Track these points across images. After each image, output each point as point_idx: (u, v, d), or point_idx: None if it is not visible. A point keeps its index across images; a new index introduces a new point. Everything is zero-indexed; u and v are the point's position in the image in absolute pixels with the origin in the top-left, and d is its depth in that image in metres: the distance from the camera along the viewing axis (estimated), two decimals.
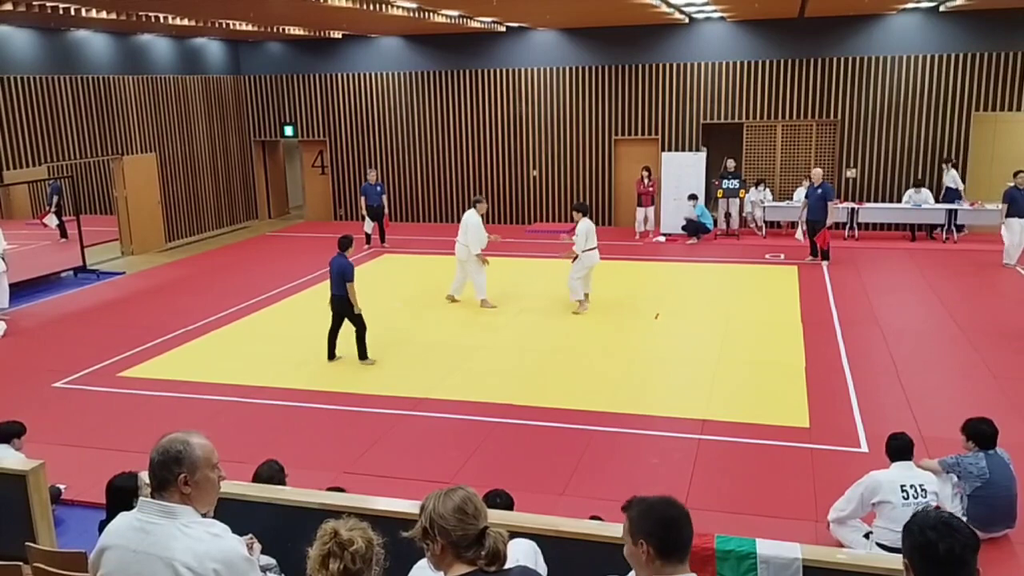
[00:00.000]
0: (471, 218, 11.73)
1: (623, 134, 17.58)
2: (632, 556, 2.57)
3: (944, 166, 16.01)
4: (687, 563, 2.54)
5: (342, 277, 9.22)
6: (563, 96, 17.72)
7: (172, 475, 2.65)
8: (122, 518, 2.76)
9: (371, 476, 6.71)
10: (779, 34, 16.37)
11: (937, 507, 5.17)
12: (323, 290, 13.09)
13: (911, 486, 5.19)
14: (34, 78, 14.08)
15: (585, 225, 11.20)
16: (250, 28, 15.80)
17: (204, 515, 2.74)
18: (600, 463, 6.93)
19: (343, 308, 9.35)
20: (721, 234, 16.52)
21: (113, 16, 12.64)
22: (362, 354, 9.46)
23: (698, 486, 6.49)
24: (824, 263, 13.93)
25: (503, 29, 17.33)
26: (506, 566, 2.60)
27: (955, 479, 5.62)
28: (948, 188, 15.84)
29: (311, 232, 18.33)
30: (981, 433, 5.62)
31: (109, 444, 7.33)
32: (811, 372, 8.90)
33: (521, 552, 3.38)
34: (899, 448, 5.40)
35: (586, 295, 11.42)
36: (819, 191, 13.89)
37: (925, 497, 5.17)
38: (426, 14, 13.78)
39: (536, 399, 8.32)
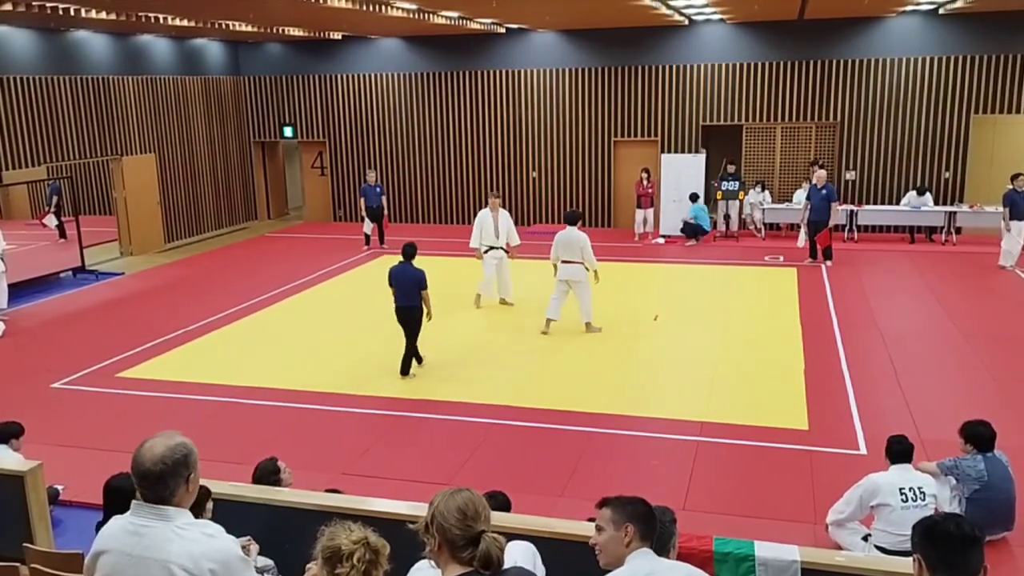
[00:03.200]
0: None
1: (622, 136, 17.58)
2: (611, 540, 2.96)
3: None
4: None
5: (418, 286, 8.92)
6: (563, 97, 17.73)
7: (183, 478, 2.66)
8: (115, 522, 2.76)
9: (369, 477, 6.71)
10: (778, 36, 16.38)
11: (936, 509, 5.19)
12: (322, 290, 13.15)
13: (910, 488, 5.19)
14: (34, 78, 14.08)
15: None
16: (250, 29, 15.80)
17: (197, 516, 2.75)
18: (599, 465, 6.92)
19: (414, 318, 9.00)
20: (720, 236, 16.53)
21: (113, 16, 12.64)
22: (407, 369, 9.16)
23: (697, 488, 6.49)
24: (826, 263, 13.95)
25: (503, 30, 17.34)
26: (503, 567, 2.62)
27: (953, 481, 5.62)
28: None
29: (310, 233, 18.34)
30: (979, 435, 5.61)
31: (107, 445, 7.31)
32: (810, 374, 8.89)
33: (519, 554, 3.38)
34: (900, 452, 5.39)
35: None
36: (823, 192, 13.93)
37: (924, 500, 5.17)
38: (426, 15, 13.78)
39: (535, 400, 8.32)
